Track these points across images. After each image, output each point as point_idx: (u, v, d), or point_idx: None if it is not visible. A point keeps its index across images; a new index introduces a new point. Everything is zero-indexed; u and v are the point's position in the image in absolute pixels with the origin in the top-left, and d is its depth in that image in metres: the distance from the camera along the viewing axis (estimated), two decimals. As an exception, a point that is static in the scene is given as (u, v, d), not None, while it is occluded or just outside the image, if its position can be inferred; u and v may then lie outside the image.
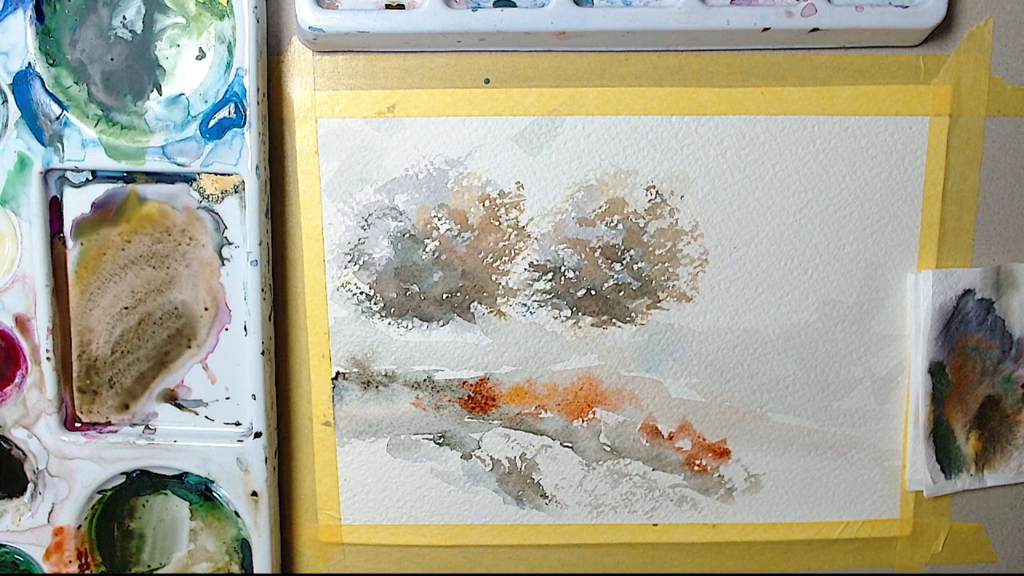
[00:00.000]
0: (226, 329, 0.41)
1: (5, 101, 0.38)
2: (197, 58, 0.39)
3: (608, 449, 0.44)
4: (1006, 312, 0.43)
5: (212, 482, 0.41)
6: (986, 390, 0.43)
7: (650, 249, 0.42)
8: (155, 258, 0.41)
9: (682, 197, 0.42)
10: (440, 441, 0.43)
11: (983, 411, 0.44)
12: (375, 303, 0.42)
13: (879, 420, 0.44)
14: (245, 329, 0.40)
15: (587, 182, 0.42)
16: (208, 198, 0.40)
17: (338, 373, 0.43)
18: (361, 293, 0.42)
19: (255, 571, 0.42)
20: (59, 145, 0.38)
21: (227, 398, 0.42)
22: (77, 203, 0.40)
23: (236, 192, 0.40)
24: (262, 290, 0.40)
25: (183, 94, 0.39)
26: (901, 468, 0.44)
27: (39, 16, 0.38)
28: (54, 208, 0.40)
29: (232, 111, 0.38)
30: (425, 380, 0.43)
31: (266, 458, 0.41)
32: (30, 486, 0.41)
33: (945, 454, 0.43)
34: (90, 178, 0.40)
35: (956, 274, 0.42)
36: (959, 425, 0.44)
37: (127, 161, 0.39)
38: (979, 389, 0.43)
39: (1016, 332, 0.43)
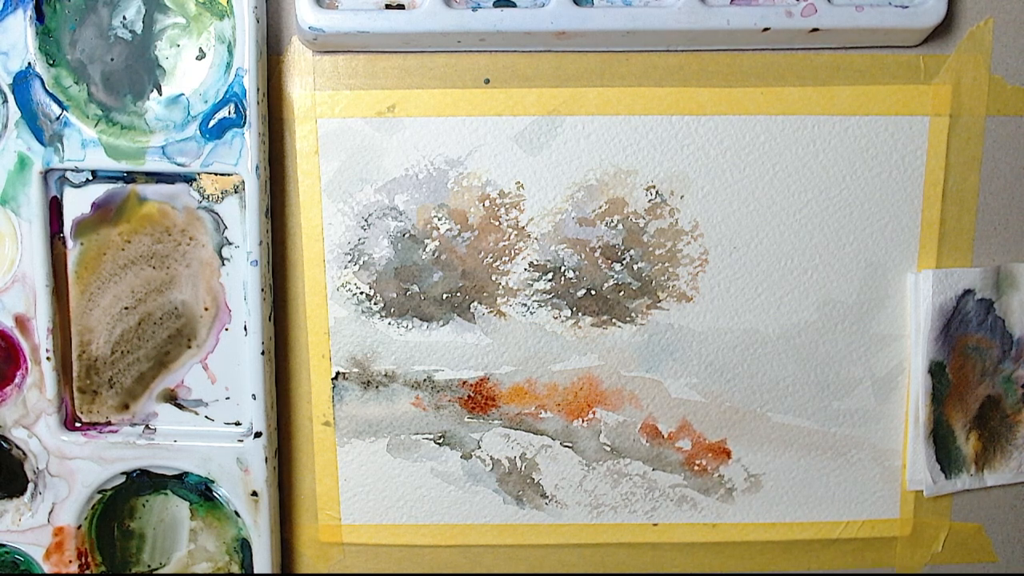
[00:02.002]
0: (226, 329, 0.41)
1: (5, 101, 0.38)
2: (197, 58, 0.39)
3: (608, 449, 0.44)
4: (1006, 312, 0.43)
5: (212, 482, 0.41)
6: (986, 390, 0.43)
7: (650, 249, 0.42)
8: (155, 258, 0.41)
9: (682, 197, 0.42)
10: (440, 441, 0.43)
11: (983, 411, 0.44)
12: (375, 303, 0.42)
13: (879, 420, 0.44)
14: (245, 329, 0.40)
15: (587, 182, 0.42)
16: (208, 198, 0.40)
17: (338, 373, 0.43)
18: (361, 293, 0.42)
19: (255, 571, 0.42)
20: (59, 145, 0.38)
21: (227, 398, 0.42)
22: (77, 203, 0.40)
23: (236, 192, 0.40)
24: (262, 290, 0.40)
25: (183, 94, 0.39)
26: (901, 468, 0.44)
27: (39, 16, 0.38)
28: (54, 208, 0.40)
29: (232, 111, 0.38)
30: (425, 380, 0.43)
31: (266, 458, 0.41)
32: (30, 486, 0.41)
33: (945, 454, 0.43)
34: (90, 178, 0.40)
35: (956, 274, 0.42)
36: (959, 425, 0.43)
37: (127, 161, 0.39)
38: (979, 389, 0.43)
39: (1016, 332, 0.43)
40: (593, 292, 0.42)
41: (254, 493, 0.41)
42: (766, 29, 0.39)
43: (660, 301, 0.42)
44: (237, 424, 0.42)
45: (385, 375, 0.43)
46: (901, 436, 0.44)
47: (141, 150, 0.39)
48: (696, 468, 0.44)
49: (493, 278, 0.42)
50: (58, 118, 0.38)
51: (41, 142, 0.38)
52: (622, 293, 0.42)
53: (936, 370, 0.42)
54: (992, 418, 0.44)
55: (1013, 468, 0.44)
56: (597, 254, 0.42)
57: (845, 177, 0.42)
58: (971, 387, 0.43)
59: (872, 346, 0.43)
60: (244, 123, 0.38)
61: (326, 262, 0.42)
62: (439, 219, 0.42)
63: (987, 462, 0.44)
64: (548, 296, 0.42)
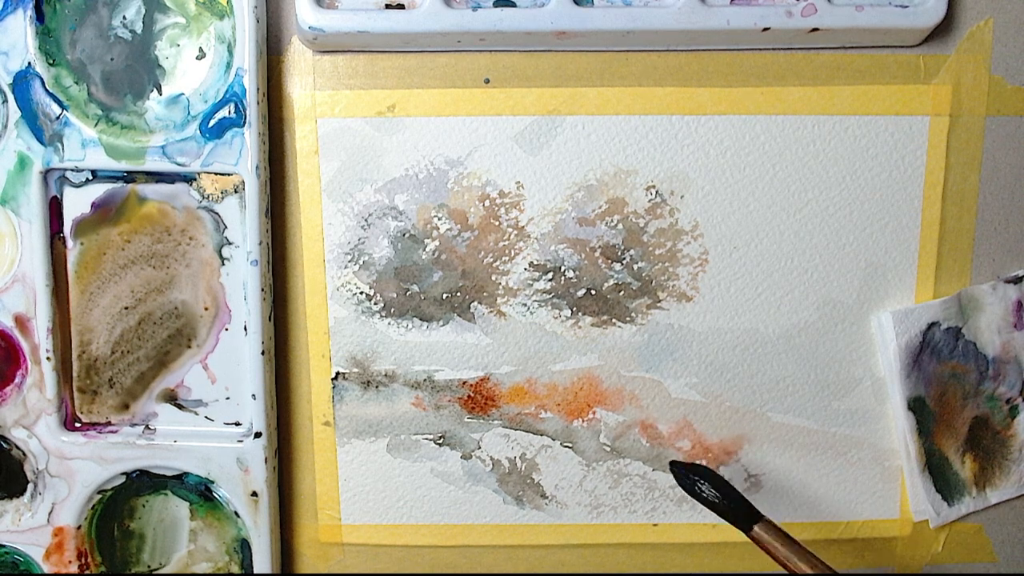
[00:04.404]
0: (226, 329, 0.41)
1: (5, 101, 0.38)
2: (197, 58, 0.39)
3: (608, 449, 0.44)
4: (975, 335, 0.43)
5: (212, 482, 0.41)
6: (972, 412, 0.43)
7: (650, 249, 0.42)
8: (155, 258, 0.41)
9: (682, 197, 0.42)
10: (440, 441, 0.43)
11: (973, 433, 0.44)
12: (375, 303, 0.42)
13: (879, 420, 0.44)
14: (245, 329, 0.40)
15: (587, 182, 0.42)
16: (208, 198, 0.40)
17: (338, 373, 0.43)
18: (361, 293, 0.42)
19: (255, 571, 0.42)
20: (59, 145, 0.38)
21: (227, 398, 0.42)
22: (77, 203, 0.40)
23: (236, 192, 0.40)
24: (262, 290, 0.40)
25: (183, 94, 0.39)
26: (901, 468, 0.44)
27: (39, 16, 0.38)
28: (54, 208, 0.40)
29: (232, 111, 0.38)
30: (425, 380, 0.43)
31: (266, 458, 0.41)
32: (30, 486, 0.41)
33: (944, 482, 0.43)
34: (90, 178, 0.40)
35: (917, 311, 0.42)
36: (952, 451, 0.43)
37: (127, 161, 0.39)
38: (965, 413, 0.43)
39: (989, 352, 0.43)
40: (593, 292, 0.42)
41: (254, 493, 0.41)
42: (766, 29, 0.39)
43: (660, 301, 0.42)
44: (237, 424, 0.42)
45: (385, 375, 0.43)
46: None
47: (141, 150, 0.39)
48: (696, 468, 0.44)
49: (493, 278, 0.42)
50: (58, 118, 0.38)
51: (41, 142, 0.38)
52: (622, 293, 0.42)
53: (916, 405, 0.42)
54: (984, 437, 0.44)
55: (1014, 482, 0.44)
56: (597, 254, 0.42)
57: (845, 177, 0.42)
58: (956, 412, 0.43)
59: (872, 346, 0.43)
60: (244, 123, 0.38)
61: (326, 262, 0.42)
62: (439, 219, 0.42)
63: (987, 481, 0.44)
64: (548, 296, 0.42)
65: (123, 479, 0.42)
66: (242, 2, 0.37)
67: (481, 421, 0.43)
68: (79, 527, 0.41)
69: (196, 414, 0.42)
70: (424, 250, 0.42)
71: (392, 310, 0.42)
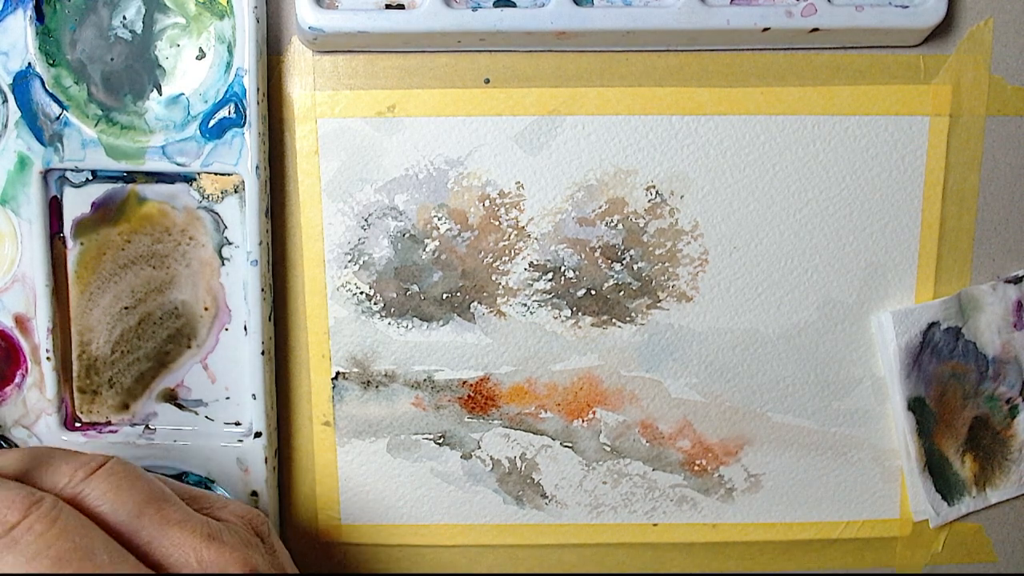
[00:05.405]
0: (226, 329, 0.41)
1: (5, 101, 0.38)
2: (197, 58, 0.39)
3: (608, 449, 0.44)
4: (975, 334, 0.43)
5: (212, 482, 0.41)
6: (972, 412, 0.43)
7: (650, 249, 0.42)
8: (155, 258, 0.41)
9: (682, 197, 0.42)
10: (440, 441, 0.43)
11: (973, 433, 0.44)
12: (375, 303, 0.42)
13: (879, 420, 0.44)
14: (245, 329, 0.40)
15: (587, 182, 0.42)
16: (208, 198, 0.40)
17: (338, 373, 0.43)
18: (361, 293, 0.42)
19: (255, 571, 0.42)
20: (59, 145, 0.38)
21: (227, 398, 0.42)
22: (77, 203, 0.40)
23: (236, 192, 0.40)
24: (262, 290, 0.40)
25: (183, 94, 0.39)
26: (901, 468, 0.44)
27: (39, 16, 0.38)
28: (54, 208, 0.40)
29: (232, 111, 0.38)
30: (425, 380, 0.43)
31: (266, 458, 0.41)
32: (30, 486, 0.41)
33: (944, 482, 0.43)
34: (90, 178, 0.40)
35: (917, 311, 0.42)
36: (952, 451, 0.44)
37: (127, 161, 0.39)
38: (965, 413, 0.43)
39: (989, 352, 0.43)
40: (593, 292, 0.42)
41: (254, 493, 0.41)
42: (766, 29, 0.39)
43: (660, 301, 0.42)
44: (237, 424, 0.42)
45: (385, 375, 0.43)
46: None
47: (141, 150, 0.39)
48: (696, 468, 0.44)
49: (493, 278, 0.42)
50: (58, 118, 0.38)
51: (41, 142, 0.38)
52: (622, 293, 0.42)
53: (916, 405, 0.42)
54: (984, 437, 0.44)
55: (1014, 482, 0.44)
56: (597, 254, 0.42)
57: (845, 177, 0.42)
58: (956, 412, 0.43)
59: (872, 346, 0.43)
60: (244, 123, 0.38)
61: (326, 262, 0.42)
62: (439, 219, 0.42)
63: (987, 480, 0.44)
64: (548, 296, 0.42)
65: (123, 479, 0.42)
66: (242, 2, 0.37)
67: (481, 421, 0.43)
68: (79, 527, 0.41)
69: (196, 414, 0.42)
70: (424, 250, 0.42)
71: (392, 310, 0.42)
